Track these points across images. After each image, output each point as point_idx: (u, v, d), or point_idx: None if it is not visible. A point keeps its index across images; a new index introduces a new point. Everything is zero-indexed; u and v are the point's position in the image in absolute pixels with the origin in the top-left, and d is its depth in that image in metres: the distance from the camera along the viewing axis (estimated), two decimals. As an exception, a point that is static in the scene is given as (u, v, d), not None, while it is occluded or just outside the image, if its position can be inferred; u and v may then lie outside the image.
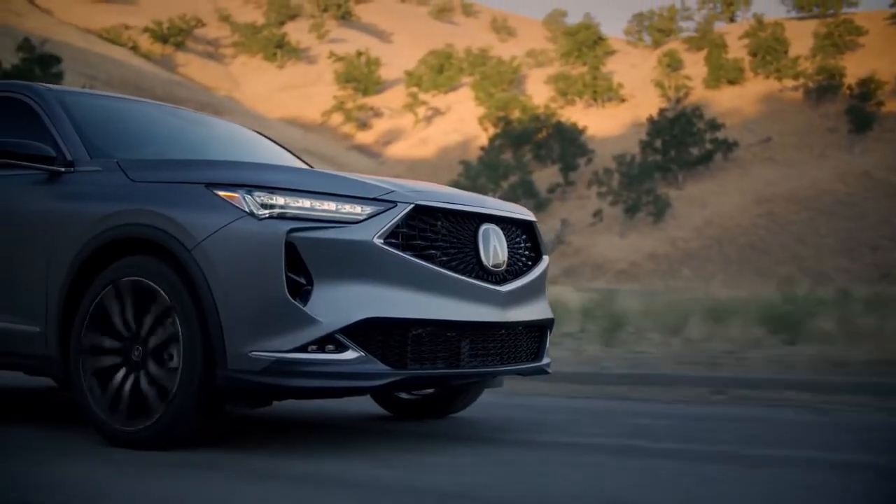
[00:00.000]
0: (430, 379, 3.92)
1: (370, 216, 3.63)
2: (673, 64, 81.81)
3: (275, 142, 5.60)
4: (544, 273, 4.43)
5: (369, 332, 3.57)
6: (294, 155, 5.52)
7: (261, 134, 5.67)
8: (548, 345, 4.53)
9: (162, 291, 3.66)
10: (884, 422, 5.10)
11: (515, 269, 4.17)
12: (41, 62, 55.33)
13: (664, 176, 67.13)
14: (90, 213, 3.94)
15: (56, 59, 56.05)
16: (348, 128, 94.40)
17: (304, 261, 3.50)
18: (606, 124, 79.69)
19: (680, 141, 66.65)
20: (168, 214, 3.67)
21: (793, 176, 65.89)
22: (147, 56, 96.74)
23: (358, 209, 3.63)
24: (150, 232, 3.71)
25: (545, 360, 4.48)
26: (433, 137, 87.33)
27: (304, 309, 3.47)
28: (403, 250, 3.68)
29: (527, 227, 4.40)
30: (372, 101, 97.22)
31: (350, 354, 3.52)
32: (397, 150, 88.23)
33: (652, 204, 62.41)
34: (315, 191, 3.63)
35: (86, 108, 4.60)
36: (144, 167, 4.03)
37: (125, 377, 3.75)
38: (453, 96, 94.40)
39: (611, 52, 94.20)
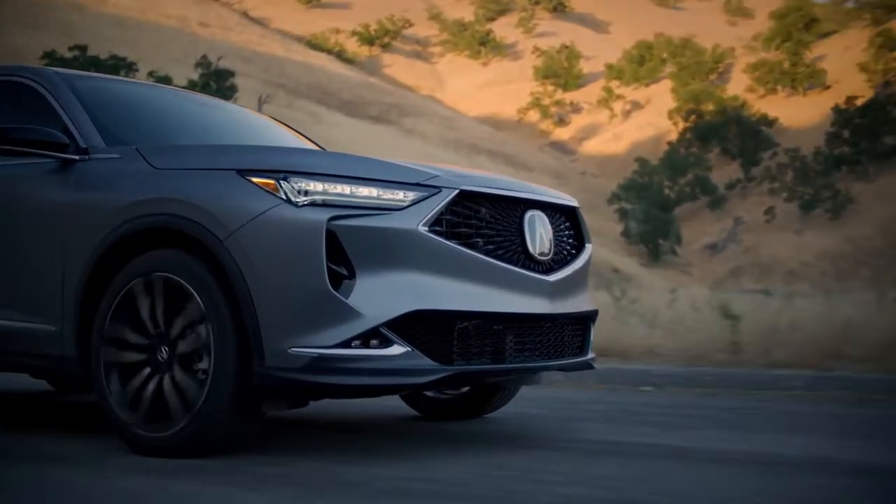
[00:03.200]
0: (475, 375, 3.89)
1: (413, 202, 3.65)
2: (888, 44, 79.31)
3: (294, 129, 5.75)
4: (588, 262, 4.47)
5: (415, 326, 3.59)
6: (311, 141, 5.63)
7: (277, 121, 5.80)
8: (592, 338, 4.54)
9: (191, 286, 3.65)
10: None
11: (560, 257, 4.21)
12: (217, 76, 63.10)
13: (853, 169, 66.09)
14: (109, 204, 3.93)
15: (230, 73, 63.48)
16: (545, 125, 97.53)
17: (345, 250, 3.52)
18: (804, 114, 78.70)
19: (870, 131, 65.46)
20: (197, 203, 3.66)
21: None
22: (351, 60, 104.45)
23: (401, 195, 3.65)
24: (178, 222, 3.70)
25: (590, 355, 4.50)
26: (627, 133, 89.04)
27: (347, 302, 3.48)
28: (448, 238, 3.70)
29: (570, 214, 4.44)
30: (572, 96, 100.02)
31: (396, 349, 3.54)
32: (591, 146, 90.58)
33: (831, 199, 61.99)
34: (355, 176, 3.65)
35: (98, 93, 4.65)
36: (168, 154, 4.05)
37: (151, 379, 3.75)
38: (654, 88, 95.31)
39: (826, 34, 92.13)
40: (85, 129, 4.30)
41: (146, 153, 4.05)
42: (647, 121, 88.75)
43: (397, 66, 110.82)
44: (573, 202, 4.52)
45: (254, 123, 5.51)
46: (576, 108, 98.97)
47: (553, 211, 4.28)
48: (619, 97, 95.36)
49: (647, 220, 59.47)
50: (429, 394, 5.07)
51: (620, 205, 61.93)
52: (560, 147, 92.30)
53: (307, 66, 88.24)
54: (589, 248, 4.51)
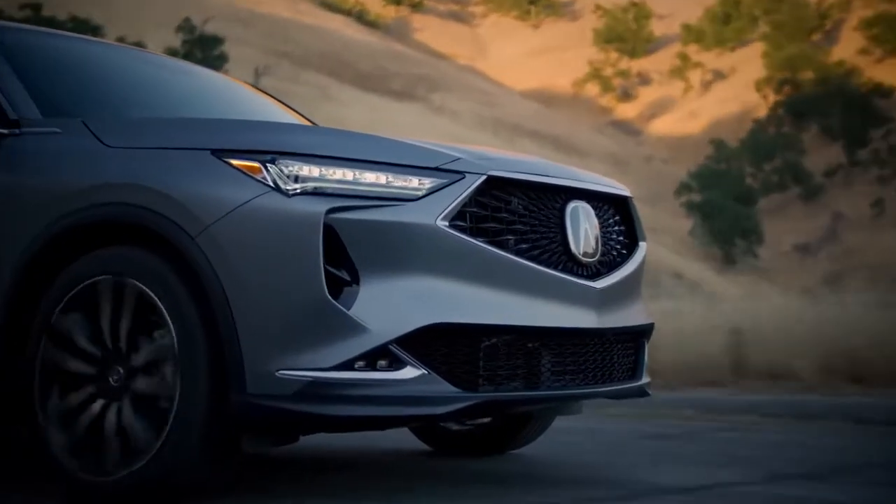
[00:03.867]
0: (504, 404, 3.85)
1: (431, 191, 3.60)
2: None
3: (283, 103, 5.78)
4: (642, 264, 4.44)
5: (432, 343, 3.54)
6: (304, 117, 5.67)
7: (262, 91, 5.90)
8: (646, 358, 4.50)
9: (153, 293, 3.57)
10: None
11: (609, 259, 4.18)
12: (203, 43, 63.09)
13: None
14: (46, 191, 3.83)
15: (218, 40, 63.49)
16: (606, 100, 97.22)
17: (347, 250, 3.47)
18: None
19: None
20: (162, 190, 3.58)
21: None
22: (374, 23, 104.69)
23: (415, 182, 3.60)
24: (137, 214, 3.62)
25: (644, 379, 4.45)
26: (706, 108, 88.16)
27: (349, 313, 3.42)
28: (473, 235, 3.65)
29: (621, 205, 4.43)
30: (640, 64, 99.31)
31: (409, 372, 3.48)
32: (661, 126, 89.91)
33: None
34: (359, 158, 3.59)
35: (33, 51, 4.54)
36: (123, 128, 4.00)
37: (101, 410, 3.66)
38: (741, 54, 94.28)
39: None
40: (14, 95, 4.20)
41: (95, 128, 3.95)
42: (730, 94, 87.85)
43: (430, 31, 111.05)
44: (625, 191, 4.48)
45: (233, 93, 5.54)
46: (644, 80, 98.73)
47: (600, 202, 4.23)
48: (697, 65, 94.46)
49: (721, 214, 58.49)
50: (453, 425, 5.11)
51: (689, 196, 61.02)
52: (623, 127, 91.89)
53: (318, 31, 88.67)
54: (643, 247, 4.46)
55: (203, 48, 62.36)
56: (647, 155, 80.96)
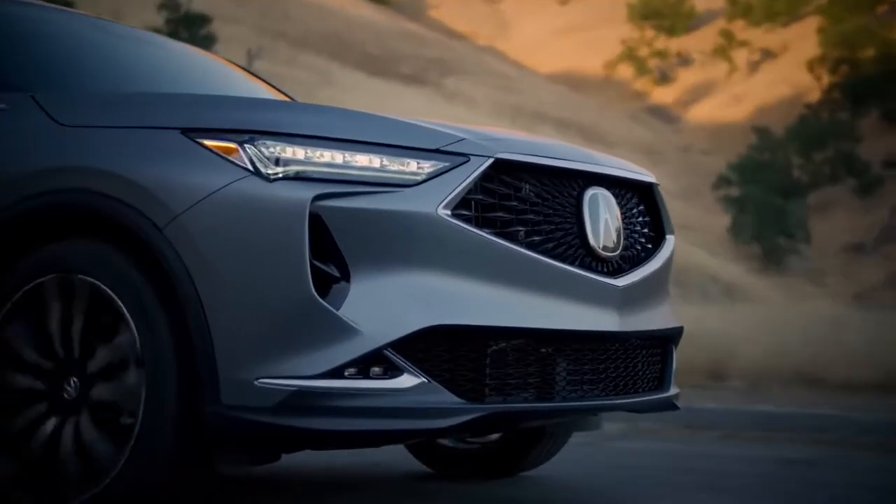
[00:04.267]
0: (514, 417, 3.79)
1: (431, 176, 3.56)
2: None
3: (261, 78, 5.80)
4: (670, 260, 4.39)
5: (432, 348, 3.49)
6: (284, 93, 5.69)
7: (240, 67, 5.88)
8: (675, 366, 4.44)
9: (114, 292, 3.52)
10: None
11: (632, 253, 4.14)
12: (188, 22, 63.42)
13: None
14: None
15: (205, 19, 63.54)
16: (641, 83, 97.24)
17: (336, 242, 3.42)
18: None
19: None
20: (125, 175, 3.52)
21: None
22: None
23: (413, 166, 3.56)
24: (95, 202, 3.57)
25: (672, 390, 4.38)
26: (753, 92, 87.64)
27: (338, 314, 3.38)
28: (479, 226, 3.60)
29: (645, 193, 4.39)
30: (680, 43, 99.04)
31: (406, 380, 3.43)
32: (701, 112, 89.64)
33: None
34: (350, 139, 3.55)
35: None
36: (80, 105, 3.96)
37: (53, 426, 3.60)
38: (794, 30, 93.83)
39: None
40: None
41: (48, 104, 3.91)
42: (780, 75, 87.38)
43: (447, 8, 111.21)
44: (650, 177, 4.43)
45: (204, 67, 5.51)
46: (683, 61, 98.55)
47: (622, 189, 4.19)
48: (743, 44, 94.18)
49: (762, 210, 58.70)
50: (446, 442, 5.02)
51: (728, 190, 61.18)
52: (659, 113, 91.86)
53: (321, 9, 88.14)
54: (671, 240, 4.43)
55: (189, 27, 62.15)
56: (685, 144, 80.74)
